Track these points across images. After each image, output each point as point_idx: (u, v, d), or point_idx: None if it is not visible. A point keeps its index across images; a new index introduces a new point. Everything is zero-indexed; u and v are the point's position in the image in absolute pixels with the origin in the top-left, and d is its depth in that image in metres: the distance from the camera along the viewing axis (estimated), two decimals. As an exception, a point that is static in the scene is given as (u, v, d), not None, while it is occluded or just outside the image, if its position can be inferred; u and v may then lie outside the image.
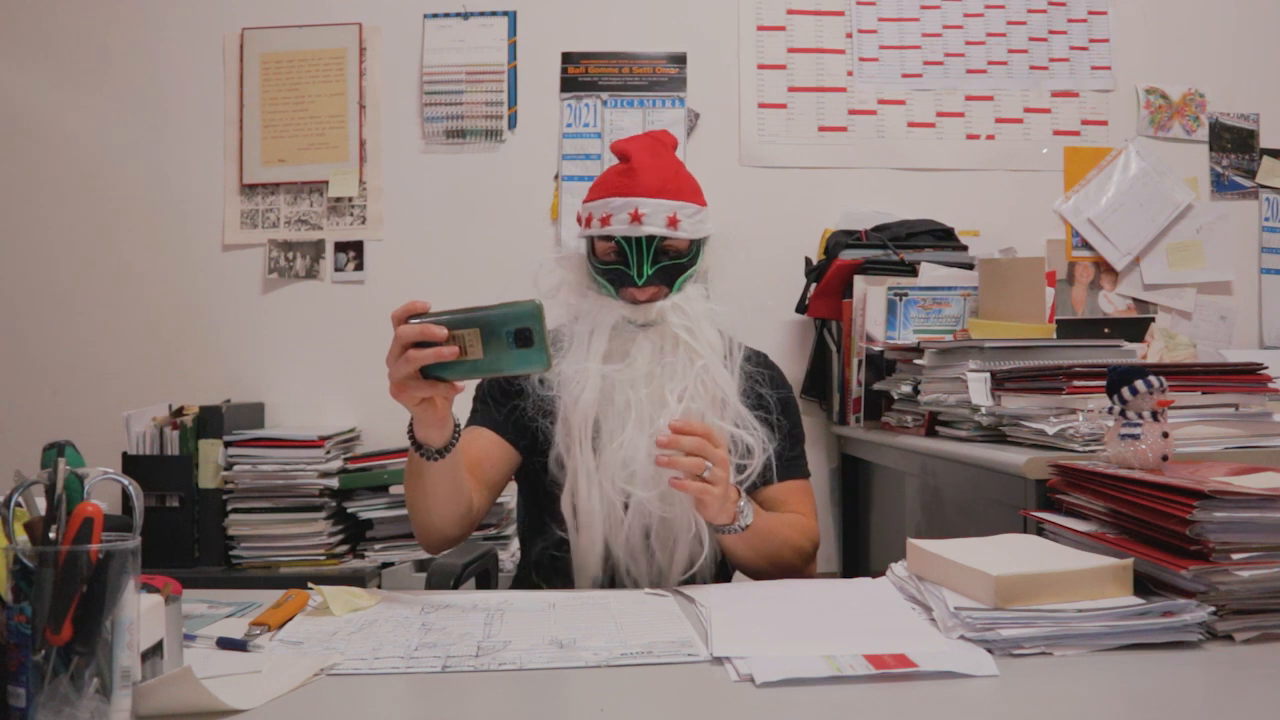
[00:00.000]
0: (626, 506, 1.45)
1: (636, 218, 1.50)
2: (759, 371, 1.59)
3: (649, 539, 1.46)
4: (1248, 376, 1.57)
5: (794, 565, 1.49)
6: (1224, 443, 1.51)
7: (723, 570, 1.55)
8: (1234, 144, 2.86)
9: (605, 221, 1.52)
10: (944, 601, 1.01)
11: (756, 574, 1.47)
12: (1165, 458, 1.16)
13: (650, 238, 1.51)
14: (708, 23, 2.80)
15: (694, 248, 1.56)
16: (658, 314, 1.51)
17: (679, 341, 1.50)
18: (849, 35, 2.82)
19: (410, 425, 1.31)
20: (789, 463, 1.59)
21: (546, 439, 1.51)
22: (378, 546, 2.43)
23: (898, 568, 1.19)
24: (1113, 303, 2.80)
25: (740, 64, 2.80)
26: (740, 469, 1.49)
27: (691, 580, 1.45)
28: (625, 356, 1.50)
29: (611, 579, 1.48)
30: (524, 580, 1.64)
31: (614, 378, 1.48)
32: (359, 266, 2.74)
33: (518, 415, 1.54)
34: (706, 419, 1.46)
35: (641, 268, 1.51)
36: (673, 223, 1.51)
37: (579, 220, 1.59)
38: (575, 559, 1.47)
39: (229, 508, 2.40)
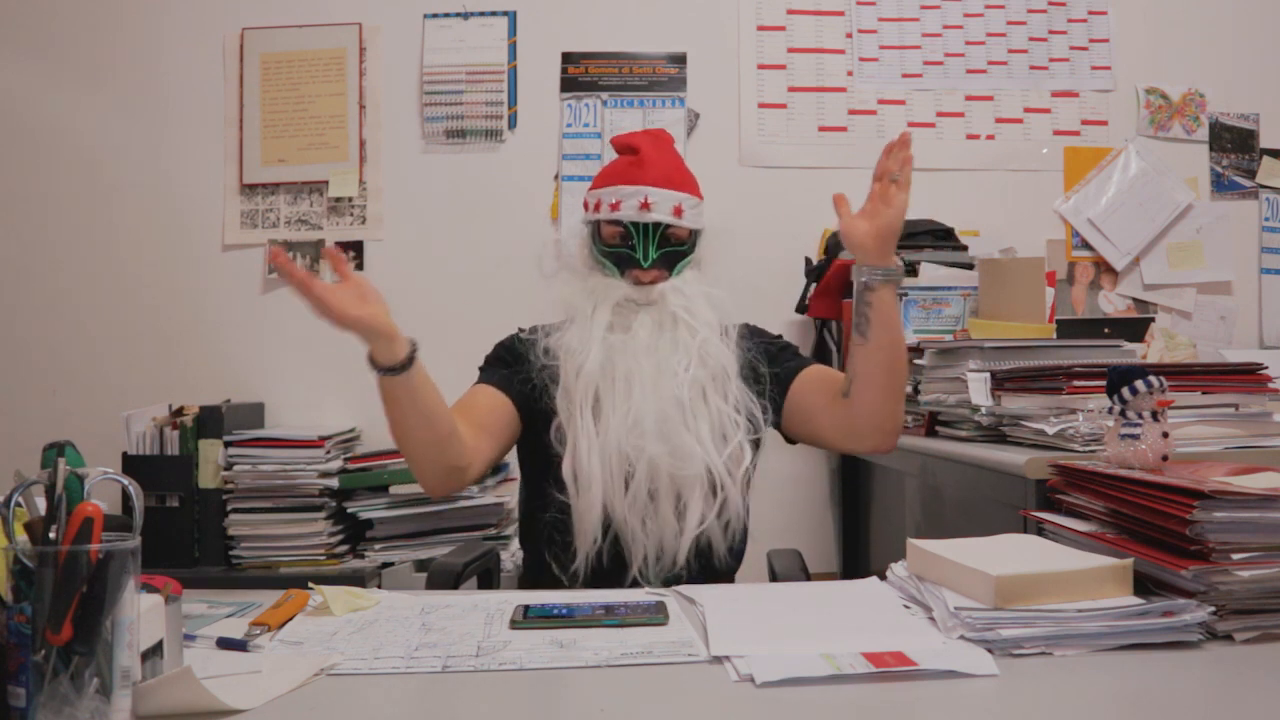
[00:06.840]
0: (630, 472, 1.49)
1: (646, 205, 1.58)
2: (753, 345, 1.65)
3: (654, 500, 1.50)
4: (1248, 376, 1.57)
5: (901, 388, 1.54)
6: (1224, 443, 1.51)
7: (728, 530, 1.55)
8: (1234, 144, 2.86)
9: (615, 207, 1.60)
10: (944, 601, 1.01)
11: (879, 385, 1.50)
12: (1165, 458, 1.15)
13: (657, 224, 1.59)
14: (708, 23, 2.80)
15: (693, 237, 1.65)
16: (658, 294, 1.59)
17: (677, 319, 1.58)
18: (849, 35, 2.81)
19: (369, 354, 1.43)
20: (798, 359, 1.69)
21: (549, 409, 1.56)
22: (378, 546, 2.43)
23: (898, 568, 1.19)
24: (1113, 303, 2.80)
25: (740, 64, 2.80)
26: (755, 445, 1.57)
27: (701, 541, 1.49)
28: (627, 329, 1.58)
29: (615, 541, 1.50)
30: (531, 569, 1.65)
31: (616, 346, 1.55)
32: (359, 266, 2.74)
33: (521, 382, 1.61)
34: (707, 392, 1.53)
35: (647, 251, 1.60)
36: (678, 212, 1.60)
37: (585, 206, 1.67)
38: (575, 523, 1.51)
39: (229, 508, 2.40)
